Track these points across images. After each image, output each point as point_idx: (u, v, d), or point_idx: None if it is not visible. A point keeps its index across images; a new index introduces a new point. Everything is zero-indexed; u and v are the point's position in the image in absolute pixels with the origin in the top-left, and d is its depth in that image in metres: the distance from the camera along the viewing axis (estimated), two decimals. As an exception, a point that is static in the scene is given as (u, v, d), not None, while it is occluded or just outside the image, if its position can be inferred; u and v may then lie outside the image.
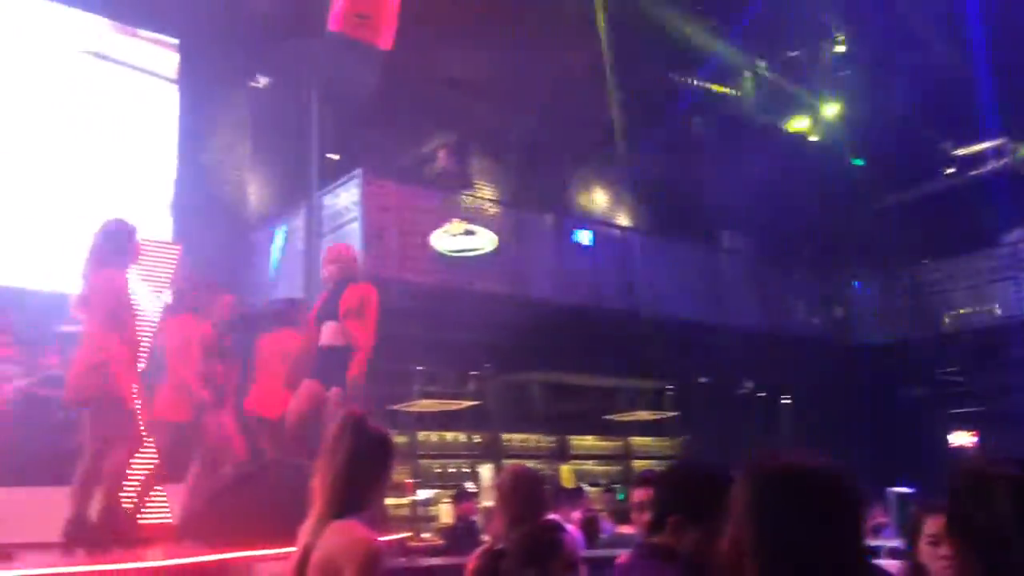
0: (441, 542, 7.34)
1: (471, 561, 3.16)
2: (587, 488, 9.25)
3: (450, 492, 8.67)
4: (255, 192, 10.22)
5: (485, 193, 11.33)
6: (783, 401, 12.56)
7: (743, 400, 12.01)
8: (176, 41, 9.50)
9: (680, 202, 11.88)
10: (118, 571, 3.44)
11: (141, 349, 5.04)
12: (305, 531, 2.37)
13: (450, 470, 10.34)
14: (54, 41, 8.70)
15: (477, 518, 7.78)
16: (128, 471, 4.73)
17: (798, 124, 13.52)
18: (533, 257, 9.95)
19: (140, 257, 5.12)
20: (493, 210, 10.08)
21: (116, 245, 4.62)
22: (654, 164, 11.71)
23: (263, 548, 3.91)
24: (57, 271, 7.17)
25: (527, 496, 3.24)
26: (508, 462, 10.68)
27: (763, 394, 12.31)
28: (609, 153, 11.44)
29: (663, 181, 11.96)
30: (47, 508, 4.43)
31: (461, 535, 7.08)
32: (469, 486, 9.13)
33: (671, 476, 2.47)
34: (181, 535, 4.84)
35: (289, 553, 3.26)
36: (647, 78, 11.65)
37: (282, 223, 9.64)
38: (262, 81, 10.15)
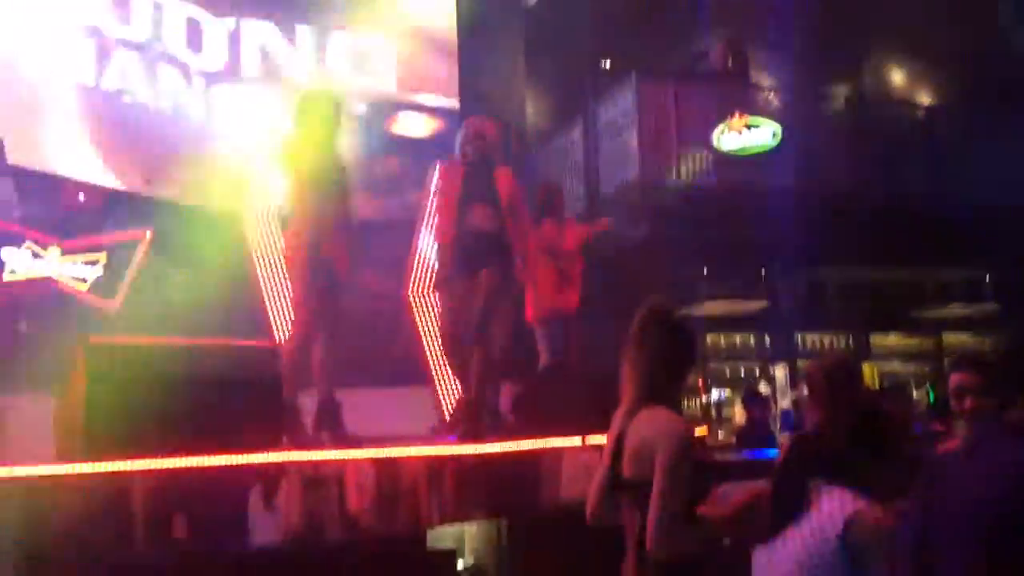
0: (732, 441, 7.38)
1: (784, 447, 3.09)
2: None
3: (741, 393, 8.58)
4: (532, 111, 10.46)
5: (767, 84, 10.69)
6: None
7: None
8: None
9: (993, 73, 10.44)
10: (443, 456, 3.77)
11: None
12: (616, 419, 2.47)
13: (740, 374, 10.19)
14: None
15: (772, 416, 7.71)
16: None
17: None
18: (824, 146, 9.30)
19: None
20: (777, 100, 9.51)
21: None
22: (960, 34, 10.37)
23: (571, 437, 4.12)
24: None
25: (844, 384, 3.12)
26: (802, 363, 10.31)
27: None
28: (907, 26, 10.30)
29: (969, 52, 10.57)
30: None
31: (751, 435, 7.14)
32: (762, 387, 8.96)
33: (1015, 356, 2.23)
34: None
35: (596, 443, 3.39)
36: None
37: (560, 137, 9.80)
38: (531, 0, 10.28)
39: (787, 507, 2.31)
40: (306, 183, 4.28)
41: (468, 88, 9.75)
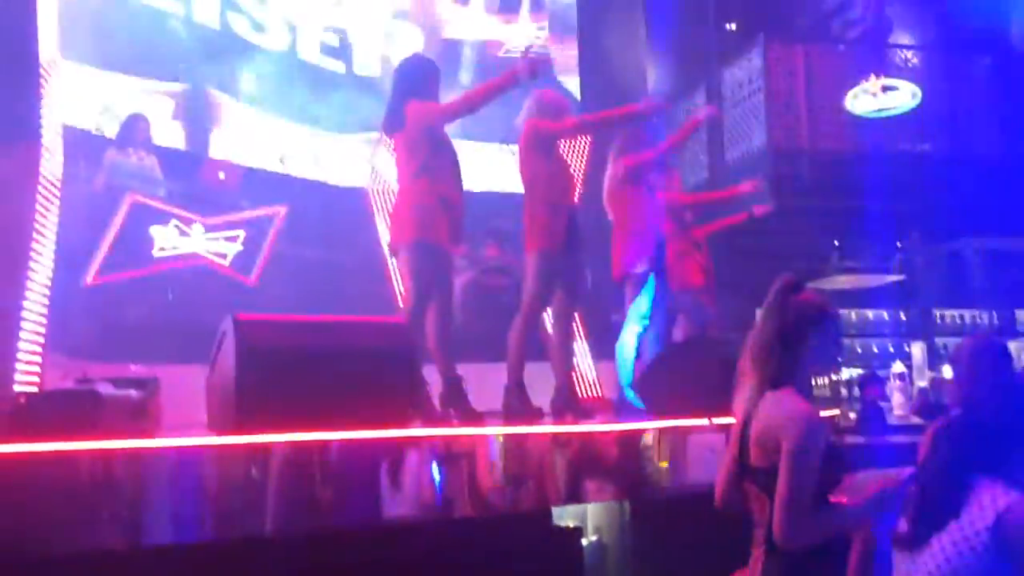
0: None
1: (929, 436, 2.95)
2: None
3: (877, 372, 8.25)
4: (654, 74, 10.24)
5: (905, 41, 10.09)
6: None
7: None
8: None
9: None
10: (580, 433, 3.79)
11: None
12: (741, 402, 2.37)
13: (874, 349, 9.79)
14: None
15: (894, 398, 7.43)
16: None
17: None
18: (967, 108, 8.72)
19: None
20: (915, 59, 8.97)
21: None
22: None
23: (695, 417, 4.05)
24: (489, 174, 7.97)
25: (991, 364, 2.94)
26: (940, 340, 9.82)
27: None
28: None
29: None
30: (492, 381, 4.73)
31: (868, 418, 6.97)
32: (897, 366, 8.56)
33: None
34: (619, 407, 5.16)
35: (722, 424, 3.31)
36: None
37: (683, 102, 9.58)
38: (653, -37, 10.01)
39: (939, 506, 2.20)
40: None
41: (587, 53, 9.65)
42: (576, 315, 5.16)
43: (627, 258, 4.99)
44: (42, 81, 3.42)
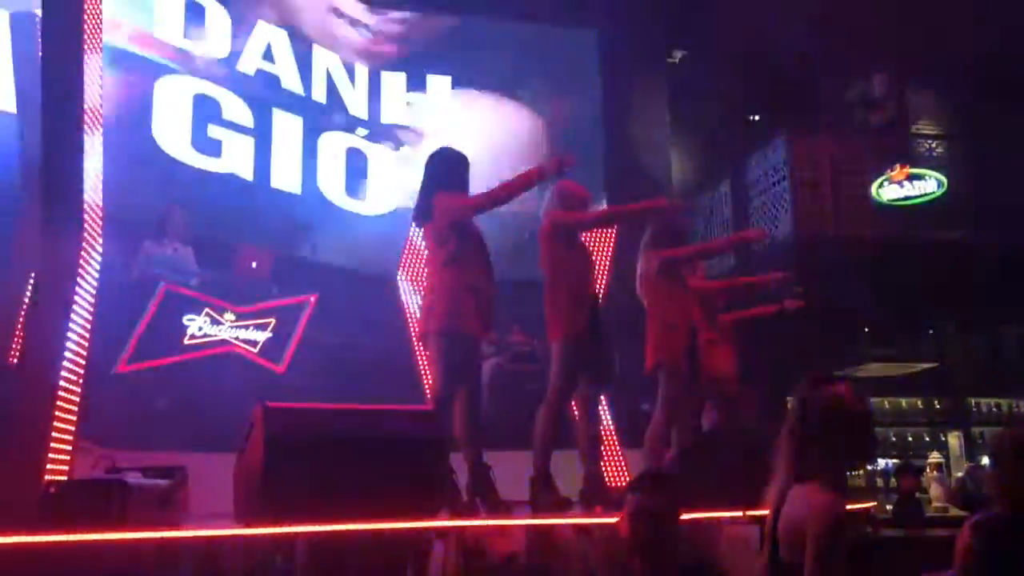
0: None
1: (965, 534, 2.85)
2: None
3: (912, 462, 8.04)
4: (679, 164, 10.40)
5: (928, 131, 10.21)
6: None
7: None
8: (594, 31, 10.02)
9: None
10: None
11: None
12: (771, 495, 2.33)
13: (908, 439, 9.57)
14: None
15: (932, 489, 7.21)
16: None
17: None
18: (996, 195, 8.72)
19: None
20: (940, 148, 9.04)
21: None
22: None
23: (728, 510, 3.96)
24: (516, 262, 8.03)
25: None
26: (977, 430, 9.59)
27: None
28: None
29: None
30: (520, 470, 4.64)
31: (905, 510, 6.86)
32: (934, 456, 8.36)
33: None
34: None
35: (754, 516, 3.23)
36: None
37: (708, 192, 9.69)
38: (677, 56, 10.30)
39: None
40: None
41: (611, 142, 9.84)
42: (604, 403, 5.11)
43: (661, 349, 4.97)
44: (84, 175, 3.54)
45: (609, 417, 6.06)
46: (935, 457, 8.23)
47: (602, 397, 4.93)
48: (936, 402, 9.55)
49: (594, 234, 6.20)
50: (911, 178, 8.27)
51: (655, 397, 5.10)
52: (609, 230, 6.76)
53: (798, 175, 8.42)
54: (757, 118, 9.87)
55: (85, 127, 3.52)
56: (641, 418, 5.46)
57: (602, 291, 5.50)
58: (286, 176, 8.42)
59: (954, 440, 9.08)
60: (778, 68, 9.52)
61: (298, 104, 8.69)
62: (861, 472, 8.59)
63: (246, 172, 8.07)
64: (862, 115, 10.30)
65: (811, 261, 8.27)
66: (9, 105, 5.46)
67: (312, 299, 6.18)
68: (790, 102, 9.76)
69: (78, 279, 3.37)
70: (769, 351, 7.67)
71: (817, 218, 8.37)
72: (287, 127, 8.51)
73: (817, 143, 8.66)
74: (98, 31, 3.80)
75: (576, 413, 4.88)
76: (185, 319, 5.55)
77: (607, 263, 6.59)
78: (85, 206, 3.47)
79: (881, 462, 8.87)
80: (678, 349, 4.87)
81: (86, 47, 3.60)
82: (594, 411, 4.73)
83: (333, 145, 8.89)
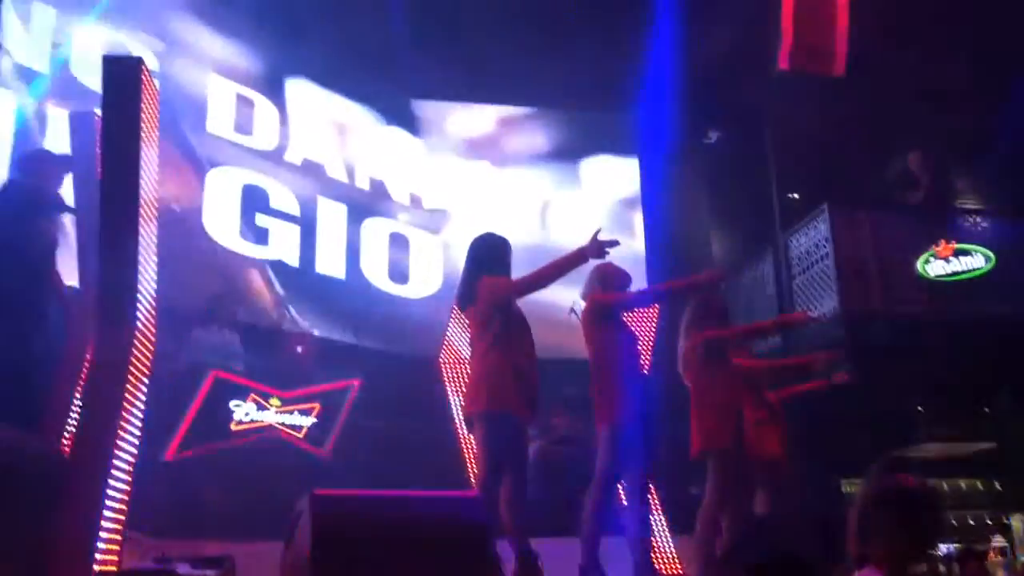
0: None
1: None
2: None
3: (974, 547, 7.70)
4: (719, 243, 10.40)
5: (973, 206, 10.11)
6: None
7: None
8: (630, 117, 10.21)
9: None
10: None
11: None
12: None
13: (969, 522, 9.18)
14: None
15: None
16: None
17: None
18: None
19: None
20: (985, 223, 8.94)
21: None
22: None
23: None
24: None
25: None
26: (1042, 512, 9.18)
27: None
28: None
29: None
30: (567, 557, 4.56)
31: None
32: (997, 540, 7.99)
33: None
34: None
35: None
36: None
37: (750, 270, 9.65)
38: (712, 136, 10.42)
39: None
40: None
41: (649, 221, 9.91)
42: (652, 487, 5.00)
43: (708, 432, 4.87)
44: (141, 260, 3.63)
45: (658, 502, 5.93)
46: (998, 541, 7.87)
47: (651, 483, 4.83)
48: (997, 483, 9.19)
49: (636, 314, 6.19)
50: (957, 253, 8.17)
51: (703, 481, 4.99)
52: (651, 310, 6.75)
53: (842, 252, 8.35)
54: (796, 196, 9.86)
55: (141, 220, 3.63)
56: (690, 503, 5.33)
57: (647, 371, 5.45)
58: (331, 262, 8.57)
59: (1017, 523, 8.67)
60: (816, 145, 9.57)
61: (343, 192, 8.91)
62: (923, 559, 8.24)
63: (292, 259, 8.23)
64: (902, 192, 10.26)
65: (860, 339, 8.12)
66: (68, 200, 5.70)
67: (356, 384, 6.21)
68: (828, 180, 9.77)
69: (131, 368, 3.42)
70: (820, 431, 7.49)
71: (864, 295, 8.26)
72: (332, 214, 8.71)
73: (859, 219, 8.61)
74: (154, 127, 3.95)
75: (624, 498, 4.78)
76: (232, 404, 5.60)
77: (650, 343, 6.55)
78: (139, 296, 3.55)
79: (942, 547, 8.50)
80: (725, 432, 4.77)
81: (143, 142, 3.74)
82: (643, 496, 4.63)
83: (376, 230, 9.06)
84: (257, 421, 5.64)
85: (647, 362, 6.14)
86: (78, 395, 4.14)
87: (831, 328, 8.33)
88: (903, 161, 10.39)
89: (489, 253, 4.57)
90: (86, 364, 4.19)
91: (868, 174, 10.64)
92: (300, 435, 5.82)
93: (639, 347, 4.85)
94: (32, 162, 5.01)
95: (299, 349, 6.97)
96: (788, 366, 6.37)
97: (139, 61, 3.79)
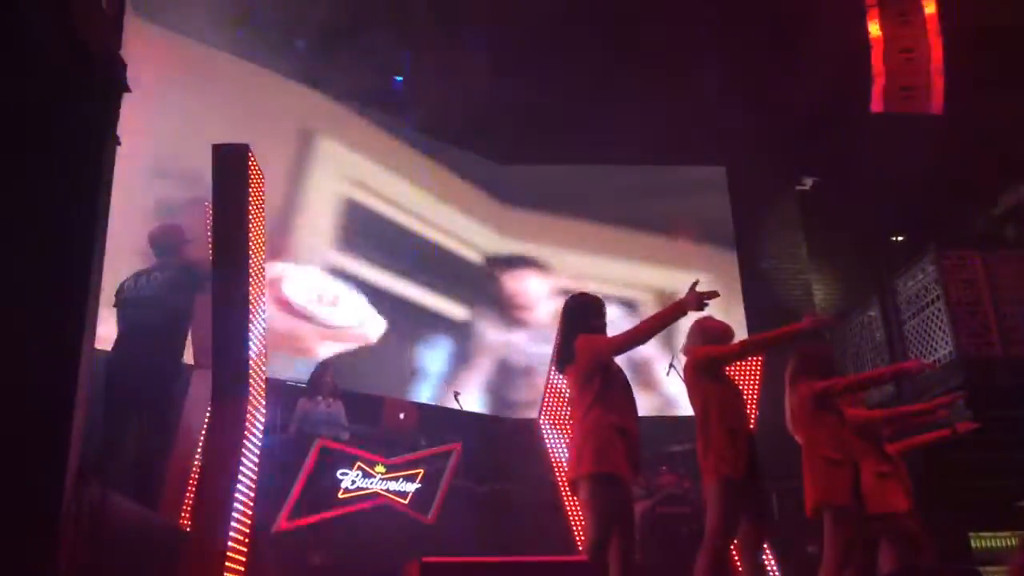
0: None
1: None
2: None
3: None
4: (821, 289, 10.14)
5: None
6: None
7: None
8: (723, 168, 10.16)
9: None
10: None
11: None
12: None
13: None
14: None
15: None
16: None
17: None
18: None
19: None
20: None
21: None
22: None
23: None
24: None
25: None
26: None
27: None
28: None
29: None
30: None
31: None
32: None
33: None
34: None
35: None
36: None
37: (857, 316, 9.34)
38: (808, 182, 10.26)
39: None
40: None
41: (747, 271, 9.74)
42: (766, 545, 4.82)
43: (823, 488, 4.68)
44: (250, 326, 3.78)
45: (773, 562, 5.71)
46: None
47: (764, 541, 4.66)
48: None
49: (740, 366, 6.05)
50: (1080, 292, 7.71)
51: (820, 538, 4.78)
52: (754, 361, 6.59)
53: (954, 293, 8.01)
54: (901, 238, 9.56)
55: (250, 298, 3.80)
56: (809, 562, 5.11)
57: (753, 424, 5.30)
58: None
59: None
60: (920, 185, 9.28)
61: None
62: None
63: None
64: (1013, 230, 9.80)
65: (980, 383, 7.72)
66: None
67: (457, 448, 6.24)
68: (933, 220, 9.43)
69: (244, 441, 3.54)
70: (945, 481, 7.10)
71: (981, 338, 7.87)
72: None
73: (970, 261, 8.25)
74: (260, 209, 4.15)
75: (737, 558, 4.62)
76: (339, 473, 5.69)
77: (754, 395, 6.39)
78: (251, 370, 3.69)
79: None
80: (843, 487, 4.57)
81: (250, 224, 3.93)
82: (757, 555, 4.47)
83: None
84: (364, 488, 5.71)
85: (753, 414, 5.97)
86: (196, 466, 4.30)
87: (947, 374, 7.95)
88: (1010, 198, 9.97)
89: (583, 312, 4.57)
90: (201, 437, 4.37)
91: (974, 213, 10.24)
92: (405, 501, 5.87)
93: (744, 399, 4.74)
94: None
95: (401, 416, 7.07)
96: (907, 414, 6.08)
97: (246, 148, 4.01)
